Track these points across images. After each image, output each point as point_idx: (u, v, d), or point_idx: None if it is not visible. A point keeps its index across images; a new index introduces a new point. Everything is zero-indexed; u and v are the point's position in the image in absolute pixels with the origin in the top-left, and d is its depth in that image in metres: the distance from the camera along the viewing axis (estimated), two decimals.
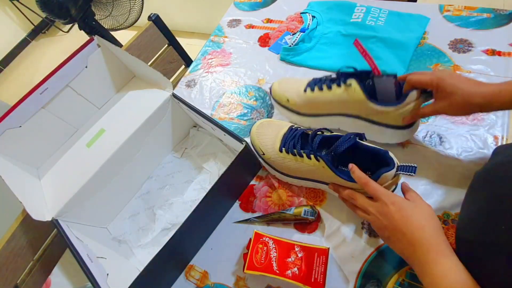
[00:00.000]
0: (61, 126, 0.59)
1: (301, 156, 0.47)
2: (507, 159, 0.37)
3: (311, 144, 0.47)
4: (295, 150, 0.48)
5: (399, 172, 0.40)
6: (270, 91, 0.60)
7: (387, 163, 0.41)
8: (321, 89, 0.51)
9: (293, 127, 0.53)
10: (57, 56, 2.48)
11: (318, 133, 0.48)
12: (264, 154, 0.53)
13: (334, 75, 0.51)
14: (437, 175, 0.48)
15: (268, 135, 0.54)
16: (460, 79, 0.40)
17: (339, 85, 0.48)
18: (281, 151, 0.50)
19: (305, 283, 0.42)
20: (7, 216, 0.63)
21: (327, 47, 0.69)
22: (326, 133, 0.48)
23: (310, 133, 0.49)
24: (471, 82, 0.40)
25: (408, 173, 0.39)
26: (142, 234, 0.58)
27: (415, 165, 0.39)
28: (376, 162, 0.43)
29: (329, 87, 0.50)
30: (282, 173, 0.53)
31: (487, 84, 0.40)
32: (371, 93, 0.47)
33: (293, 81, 0.58)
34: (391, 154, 0.42)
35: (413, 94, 0.44)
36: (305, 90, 0.53)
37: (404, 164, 0.40)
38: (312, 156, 0.46)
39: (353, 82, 0.46)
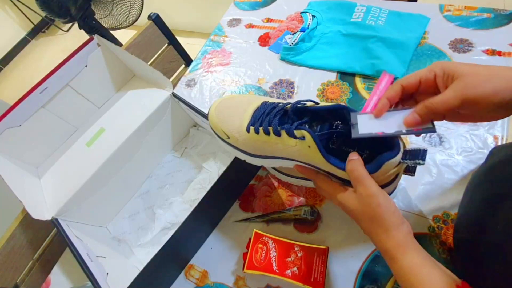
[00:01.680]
0: (61, 125, 0.59)
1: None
2: (502, 159, 0.37)
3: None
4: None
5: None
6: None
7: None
8: (267, 133, 0.38)
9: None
10: (57, 55, 2.48)
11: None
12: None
13: (289, 105, 0.39)
14: (437, 175, 0.48)
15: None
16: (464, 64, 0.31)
17: (289, 134, 0.36)
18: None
19: (304, 283, 0.42)
20: (7, 215, 0.63)
21: (327, 46, 0.69)
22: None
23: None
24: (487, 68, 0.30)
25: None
26: (142, 234, 0.58)
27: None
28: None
29: (277, 134, 0.37)
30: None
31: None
32: (336, 141, 0.38)
33: (234, 108, 0.44)
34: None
35: (393, 162, 0.32)
36: (247, 130, 0.40)
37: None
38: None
39: (306, 135, 0.34)
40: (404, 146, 0.34)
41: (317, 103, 0.39)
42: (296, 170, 0.40)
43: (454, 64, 0.30)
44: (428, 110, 0.30)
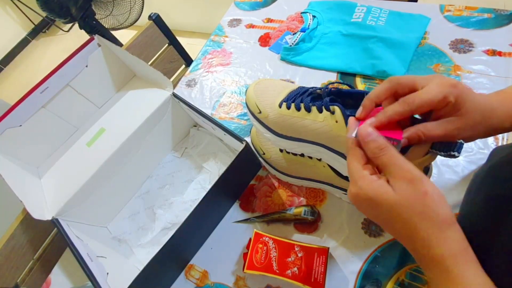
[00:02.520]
0: (61, 125, 0.59)
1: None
2: (502, 160, 0.37)
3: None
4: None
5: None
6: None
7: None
8: (298, 109, 0.40)
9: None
10: (58, 55, 2.48)
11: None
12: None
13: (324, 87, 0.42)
14: (437, 175, 0.48)
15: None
16: (473, 93, 0.29)
17: (319, 109, 0.38)
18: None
19: (305, 283, 0.42)
20: (7, 215, 0.63)
21: (328, 47, 0.69)
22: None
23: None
24: (485, 96, 0.30)
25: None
26: (142, 234, 0.58)
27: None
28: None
29: (307, 109, 0.39)
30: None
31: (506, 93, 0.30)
32: None
33: (273, 86, 0.47)
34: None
35: (420, 149, 0.30)
36: (280, 105, 0.43)
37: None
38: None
39: (336, 109, 0.36)
40: None
41: (352, 87, 0.40)
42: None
43: (466, 94, 0.28)
44: (445, 135, 0.28)
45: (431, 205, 0.24)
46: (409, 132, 0.28)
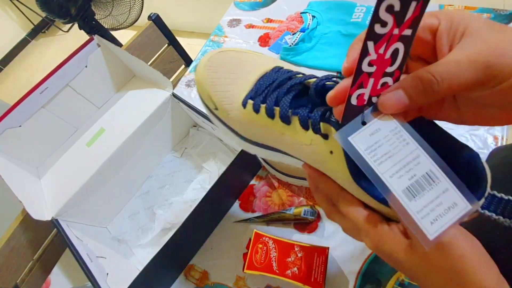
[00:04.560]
0: (61, 125, 0.59)
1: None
2: (499, 162, 0.37)
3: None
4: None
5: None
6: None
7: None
8: (270, 115, 0.27)
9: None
10: (57, 56, 2.48)
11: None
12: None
13: (312, 80, 0.26)
14: None
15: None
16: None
17: (304, 125, 0.25)
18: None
19: (304, 283, 0.42)
20: (7, 216, 0.63)
21: (327, 47, 0.69)
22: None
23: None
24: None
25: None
26: (142, 234, 0.58)
27: None
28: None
29: (285, 119, 0.26)
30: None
31: None
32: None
33: (233, 66, 0.31)
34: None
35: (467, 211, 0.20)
36: (243, 103, 0.28)
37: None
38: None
39: (332, 133, 0.23)
40: (490, 188, 0.20)
41: None
42: (306, 172, 0.27)
43: (468, 15, 0.19)
44: (425, 85, 0.18)
45: (468, 271, 0.18)
46: (407, 80, 0.19)
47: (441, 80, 0.17)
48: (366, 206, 0.23)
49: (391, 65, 0.19)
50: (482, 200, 0.20)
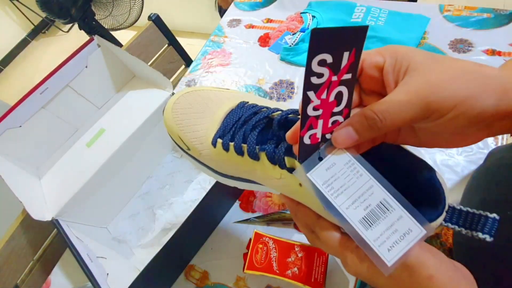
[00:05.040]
0: (61, 125, 0.59)
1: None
2: (497, 163, 0.37)
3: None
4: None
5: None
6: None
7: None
8: (239, 153, 0.27)
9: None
10: (57, 56, 2.48)
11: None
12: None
13: (276, 113, 0.27)
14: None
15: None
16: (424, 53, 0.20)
17: (272, 161, 0.25)
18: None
19: (305, 283, 0.42)
20: (7, 216, 0.63)
21: None
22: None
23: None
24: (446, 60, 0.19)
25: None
26: (142, 234, 0.58)
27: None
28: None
29: (253, 156, 0.26)
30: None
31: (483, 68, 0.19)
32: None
33: (199, 106, 0.32)
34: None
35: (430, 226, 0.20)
36: (213, 143, 0.29)
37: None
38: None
39: (298, 170, 0.22)
40: (449, 202, 0.21)
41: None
42: (283, 201, 0.28)
43: (410, 50, 0.20)
44: (370, 122, 0.19)
45: None
46: (354, 119, 0.20)
47: (383, 118, 0.19)
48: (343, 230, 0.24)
49: (338, 105, 0.20)
50: (444, 215, 0.20)
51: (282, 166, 0.24)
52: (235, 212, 0.55)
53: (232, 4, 0.90)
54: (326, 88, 0.19)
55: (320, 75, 0.18)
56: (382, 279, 0.21)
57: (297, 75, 0.68)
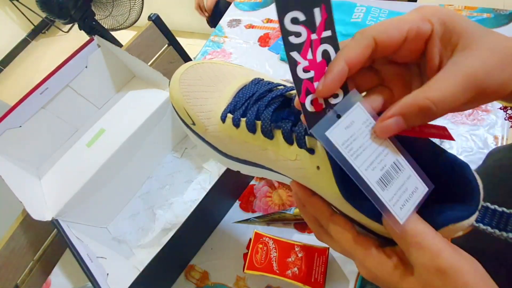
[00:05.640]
0: (61, 126, 0.59)
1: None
2: (495, 164, 0.37)
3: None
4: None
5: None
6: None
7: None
8: (251, 130, 0.25)
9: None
10: (57, 56, 2.48)
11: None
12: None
13: (291, 92, 0.26)
14: None
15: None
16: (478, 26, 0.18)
17: (288, 139, 0.23)
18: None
19: (305, 283, 0.42)
20: (7, 216, 0.63)
21: None
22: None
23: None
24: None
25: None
26: (142, 234, 0.58)
27: None
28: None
29: (267, 134, 0.24)
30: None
31: None
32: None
33: (209, 79, 0.30)
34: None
35: (461, 225, 0.19)
36: (222, 118, 0.27)
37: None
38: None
39: (319, 148, 0.22)
40: (483, 201, 0.19)
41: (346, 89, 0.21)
42: (293, 190, 0.25)
43: (459, 18, 0.18)
44: (425, 111, 0.18)
45: None
46: (402, 106, 0.18)
47: (439, 106, 0.17)
48: (357, 223, 0.22)
49: (328, 65, 0.19)
50: (476, 214, 0.19)
51: (301, 145, 0.23)
52: (235, 212, 0.55)
53: (232, 4, 0.90)
54: (309, 47, 0.18)
55: (297, 34, 0.18)
56: (405, 284, 0.19)
57: None
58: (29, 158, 0.57)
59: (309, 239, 0.48)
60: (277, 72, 0.70)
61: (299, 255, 0.44)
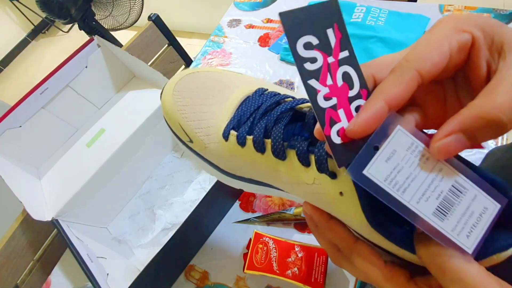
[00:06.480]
0: (61, 126, 0.59)
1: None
2: (493, 164, 0.37)
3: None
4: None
5: None
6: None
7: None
8: (259, 149, 0.22)
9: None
10: (57, 56, 2.48)
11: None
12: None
13: (307, 104, 0.23)
14: None
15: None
16: None
17: (304, 160, 0.21)
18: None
19: (305, 283, 0.42)
20: (7, 216, 0.63)
21: None
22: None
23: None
24: None
25: None
26: (142, 234, 0.58)
27: None
28: None
29: (279, 155, 0.22)
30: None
31: None
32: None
33: (207, 90, 0.26)
34: None
35: (507, 253, 0.17)
36: (224, 135, 0.24)
37: None
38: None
39: (341, 174, 0.19)
40: None
41: None
42: (307, 213, 0.22)
43: (495, 23, 0.17)
44: (495, 126, 0.15)
45: None
46: (463, 120, 0.16)
47: (510, 116, 0.15)
48: (384, 251, 0.20)
49: (351, 89, 0.17)
50: None
51: (323, 169, 0.20)
52: (235, 212, 0.55)
53: (232, 4, 0.90)
54: (327, 72, 0.17)
55: (313, 60, 0.16)
56: None
57: (297, 75, 0.68)
58: (29, 158, 0.57)
59: (309, 239, 0.48)
60: (277, 72, 0.70)
61: (299, 255, 0.44)
